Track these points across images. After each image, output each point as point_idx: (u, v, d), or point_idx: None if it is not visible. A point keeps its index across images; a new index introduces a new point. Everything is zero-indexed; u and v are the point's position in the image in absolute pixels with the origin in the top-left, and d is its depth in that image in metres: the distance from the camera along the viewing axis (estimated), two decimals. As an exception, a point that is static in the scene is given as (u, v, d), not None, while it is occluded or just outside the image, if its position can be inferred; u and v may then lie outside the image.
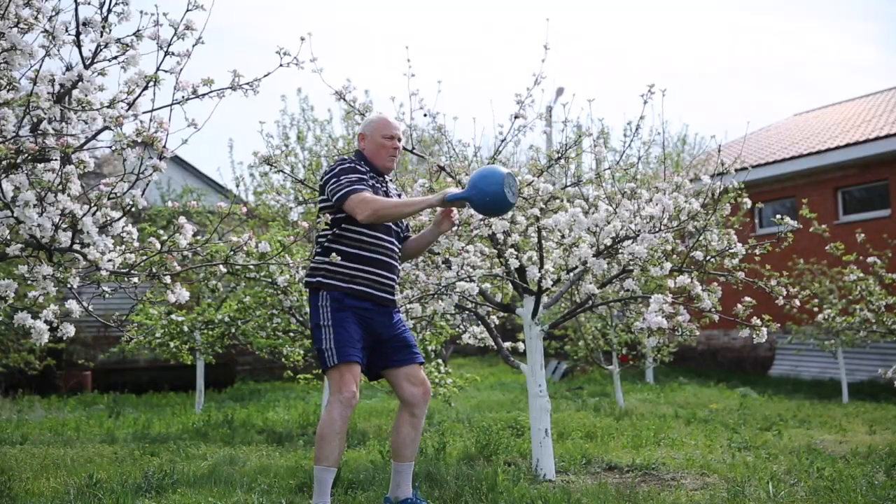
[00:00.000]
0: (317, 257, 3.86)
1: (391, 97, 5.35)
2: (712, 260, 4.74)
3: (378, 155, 3.94)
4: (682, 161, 16.95)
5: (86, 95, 2.97)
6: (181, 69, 3.09)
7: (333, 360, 3.66)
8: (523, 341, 5.14)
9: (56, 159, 2.96)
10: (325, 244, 3.81)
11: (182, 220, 3.15)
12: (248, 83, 3.21)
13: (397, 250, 3.96)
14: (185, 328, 8.12)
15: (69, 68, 3.07)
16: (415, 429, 3.88)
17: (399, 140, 3.97)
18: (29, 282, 3.03)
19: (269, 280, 6.53)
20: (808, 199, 7.92)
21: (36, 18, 2.98)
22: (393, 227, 3.93)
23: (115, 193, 3.01)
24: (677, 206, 4.74)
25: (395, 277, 3.94)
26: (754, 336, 4.25)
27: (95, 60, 3.09)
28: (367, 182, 3.80)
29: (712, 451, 5.92)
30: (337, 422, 3.59)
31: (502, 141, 5.25)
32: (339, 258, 3.66)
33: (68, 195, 2.97)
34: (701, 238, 4.77)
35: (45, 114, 2.92)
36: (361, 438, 6.53)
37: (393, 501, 3.89)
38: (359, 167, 3.85)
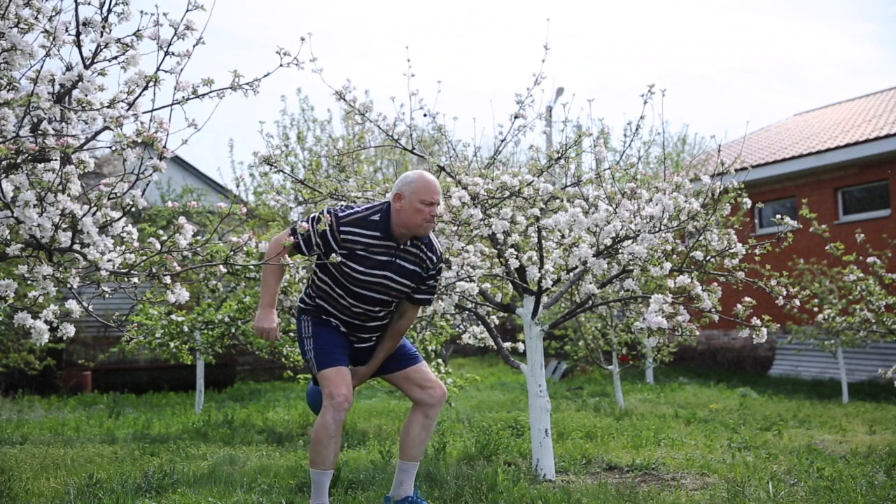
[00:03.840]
0: (306, 289, 3.86)
1: (391, 97, 5.35)
2: (712, 260, 4.74)
3: (413, 221, 3.60)
4: (682, 161, 16.95)
5: (86, 95, 2.97)
6: (181, 69, 3.09)
7: (317, 368, 3.71)
8: (523, 341, 5.14)
9: (56, 159, 2.96)
10: (309, 282, 3.84)
11: (182, 220, 3.15)
12: (248, 83, 3.21)
13: (379, 317, 3.77)
14: (185, 328, 8.12)
15: (69, 68, 3.07)
16: (426, 429, 3.86)
17: (437, 205, 3.64)
18: (29, 282, 3.03)
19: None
20: (808, 199, 7.92)
21: (36, 18, 2.99)
22: (375, 294, 3.67)
23: (115, 193, 3.01)
24: (677, 206, 4.74)
25: (371, 336, 3.83)
26: (754, 336, 4.26)
27: (95, 60, 3.09)
28: (315, 242, 3.58)
29: (712, 451, 5.92)
30: (330, 425, 3.58)
31: (502, 141, 5.26)
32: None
33: (68, 195, 2.97)
34: (701, 238, 4.77)
35: (45, 114, 2.92)
36: (361, 438, 6.53)
37: (393, 500, 3.89)
38: (334, 230, 3.56)
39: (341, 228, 3.59)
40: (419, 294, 3.81)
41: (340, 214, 3.62)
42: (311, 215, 3.65)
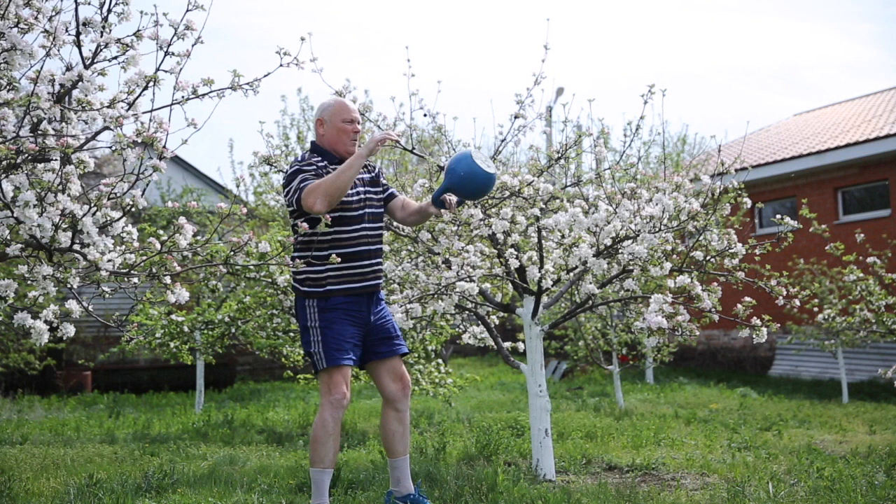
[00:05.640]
0: (306, 263, 3.79)
1: (391, 97, 5.36)
2: (712, 260, 4.74)
3: (340, 140, 3.85)
4: (682, 161, 16.95)
5: (86, 95, 2.97)
6: (181, 69, 3.09)
7: (322, 364, 3.68)
8: (523, 341, 5.14)
9: (56, 159, 2.96)
10: (299, 248, 3.79)
11: (182, 220, 3.15)
12: (248, 83, 3.21)
13: (376, 233, 3.89)
14: (185, 328, 8.12)
15: (69, 68, 3.07)
16: (401, 423, 3.90)
17: (359, 123, 3.89)
18: (29, 282, 3.03)
19: (269, 280, 6.53)
20: (808, 199, 7.92)
21: (36, 18, 2.98)
22: (367, 210, 3.85)
23: (115, 193, 3.01)
24: (677, 206, 4.74)
25: (378, 260, 3.89)
26: (754, 336, 4.25)
27: (95, 60, 3.09)
28: (316, 173, 3.72)
29: (712, 451, 5.92)
30: (329, 424, 3.60)
31: (502, 141, 5.25)
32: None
33: (68, 195, 2.97)
34: (701, 238, 4.77)
35: (45, 114, 2.92)
36: (361, 438, 6.53)
37: (395, 496, 3.90)
38: (305, 167, 3.75)
39: (311, 161, 3.78)
40: (388, 192, 4.03)
41: (300, 160, 3.82)
42: (291, 171, 3.75)
